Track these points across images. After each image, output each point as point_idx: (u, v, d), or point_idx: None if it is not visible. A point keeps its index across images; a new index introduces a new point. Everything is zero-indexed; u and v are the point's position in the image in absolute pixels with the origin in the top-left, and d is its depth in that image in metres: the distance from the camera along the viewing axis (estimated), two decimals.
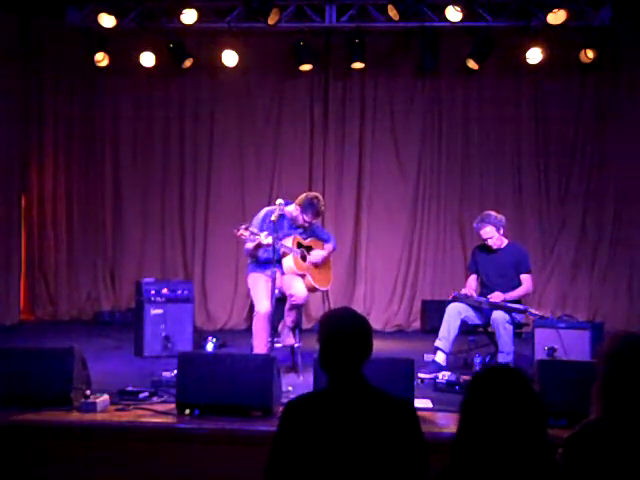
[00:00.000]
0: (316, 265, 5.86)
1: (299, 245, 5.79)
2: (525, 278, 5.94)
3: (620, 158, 8.31)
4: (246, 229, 5.39)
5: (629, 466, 2.13)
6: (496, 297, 5.76)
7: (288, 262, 5.64)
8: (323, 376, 4.23)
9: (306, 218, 5.69)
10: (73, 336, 7.23)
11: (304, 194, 5.78)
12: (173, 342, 6.56)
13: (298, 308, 5.74)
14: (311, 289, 5.83)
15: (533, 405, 2.09)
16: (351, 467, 2.34)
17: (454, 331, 5.75)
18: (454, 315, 5.79)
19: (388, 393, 2.50)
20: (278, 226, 5.44)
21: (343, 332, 2.50)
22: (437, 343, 5.78)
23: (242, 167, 8.72)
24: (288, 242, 5.65)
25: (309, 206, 5.65)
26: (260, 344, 5.43)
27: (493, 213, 6.02)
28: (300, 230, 5.84)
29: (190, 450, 4.05)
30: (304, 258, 5.79)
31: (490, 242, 5.97)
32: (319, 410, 2.44)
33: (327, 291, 8.32)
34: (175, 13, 7.66)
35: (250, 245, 5.62)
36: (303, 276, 5.74)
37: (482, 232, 5.97)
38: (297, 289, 5.58)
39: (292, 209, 5.71)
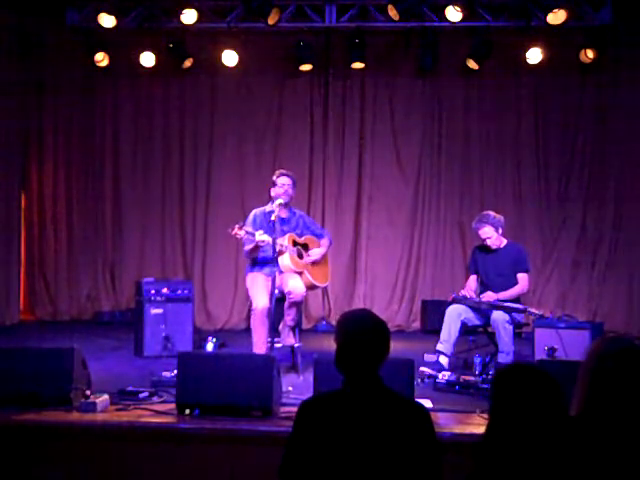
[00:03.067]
0: (314, 263, 5.86)
1: (295, 243, 5.79)
2: (521, 277, 5.93)
3: (620, 158, 8.31)
4: (240, 228, 5.40)
5: (604, 464, 2.16)
6: (488, 296, 5.76)
7: (285, 260, 5.64)
8: (323, 376, 4.26)
9: (282, 182, 5.72)
10: (73, 336, 7.23)
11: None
12: (173, 342, 6.55)
13: (297, 305, 5.73)
14: (310, 286, 5.83)
15: (559, 402, 2.14)
16: (365, 468, 2.34)
17: (455, 333, 5.75)
18: (454, 317, 5.78)
19: (403, 395, 2.52)
20: (272, 226, 5.44)
21: (362, 334, 2.50)
22: (439, 347, 5.77)
23: (242, 167, 8.73)
24: (284, 241, 5.65)
25: (281, 175, 5.74)
26: (259, 341, 5.42)
27: (492, 213, 6.02)
28: (294, 226, 5.86)
29: (190, 450, 4.05)
30: (300, 256, 5.80)
31: (489, 242, 5.96)
32: (335, 411, 2.44)
33: (327, 290, 8.38)
34: (175, 13, 7.67)
35: (248, 247, 5.64)
36: (301, 273, 5.74)
37: (481, 232, 5.96)
38: (295, 286, 5.57)
39: (272, 196, 5.76)
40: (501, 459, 2.15)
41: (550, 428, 2.13)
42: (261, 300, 5.47)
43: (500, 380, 2.27)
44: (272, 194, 5.79)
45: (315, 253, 5.86)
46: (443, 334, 5.77)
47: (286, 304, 5.64)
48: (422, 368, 5.44)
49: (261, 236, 5.44)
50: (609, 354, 2.31)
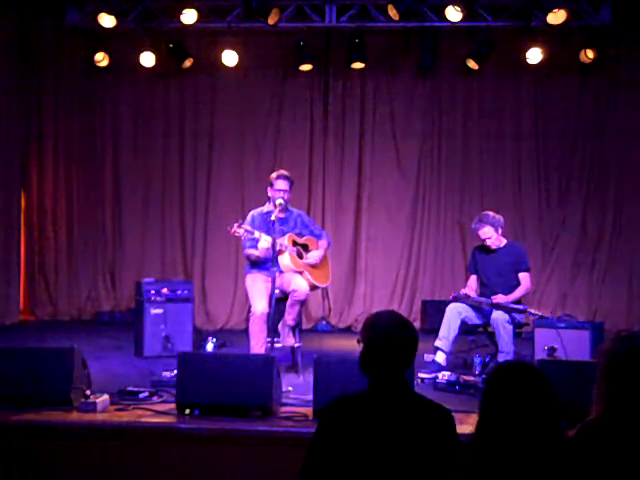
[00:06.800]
0: (313, 265, 5.86)
1: (295, 243, 5.80)
2: (523, 276, 5.94)
3: (620, 158, 8.32)
4: (239, 226, 5.41)
5: (629, 466, 2.12)
6: (500, 299, 5.76)
7: (285, 260, 5.64)
8: (323, 376, 4.25)
9: (279, 187, 5.70)
10: (73, 336, 7.23)
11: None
12: (173, 342, 6.55)
13: (300, 304, 5.73)
14: (310, 286, 5.82)
15: (549, 400, 2.12)
16: (389, 471, 2.32)
17: (454, 331, 5.75)
18: (454, 315, 5.78)
19: (428, 399, 2.47)
20: (271, 226, 5.45)
21: (390, 337, 2.43)
22: (437, 343, 5.77)
23: (242, 167, 8.73)
24: (284, 240, 5.66)
25: (279, 177, 5.73)
26: (257, 345, 5.42)
27: (491, 213, 6.02)
28: (292, 226, 5.86)
29: (190, 450, 4.05)
30: (300, 256, 5.80)
31: (489, 242, 5.96)
32: (360, 413, 2.41)
33: (327, 290, 8.37)
34: (175, 13, 7.67)
35: (249, 251, 5.67)
36: (301, 273, 5.74)
37: (480, 232, 5.96)
38: (299, 284, 5.57)
39: (269, 196, 5.76)
40: (490, 458, 2.14)
41: (541, 429, 2.10)
42: (260, 304, 5.46)
43: (495, 376, 2.25)
44: (269, 194, 5.79)
45: (313, 256, 5.84)
46: (442, 330, 5.77)
47: (289, 302, 5.62)
48: (420, 374, 5.41)
49: (262, 243, 5.47)
50: (625, 352, 2.24)
